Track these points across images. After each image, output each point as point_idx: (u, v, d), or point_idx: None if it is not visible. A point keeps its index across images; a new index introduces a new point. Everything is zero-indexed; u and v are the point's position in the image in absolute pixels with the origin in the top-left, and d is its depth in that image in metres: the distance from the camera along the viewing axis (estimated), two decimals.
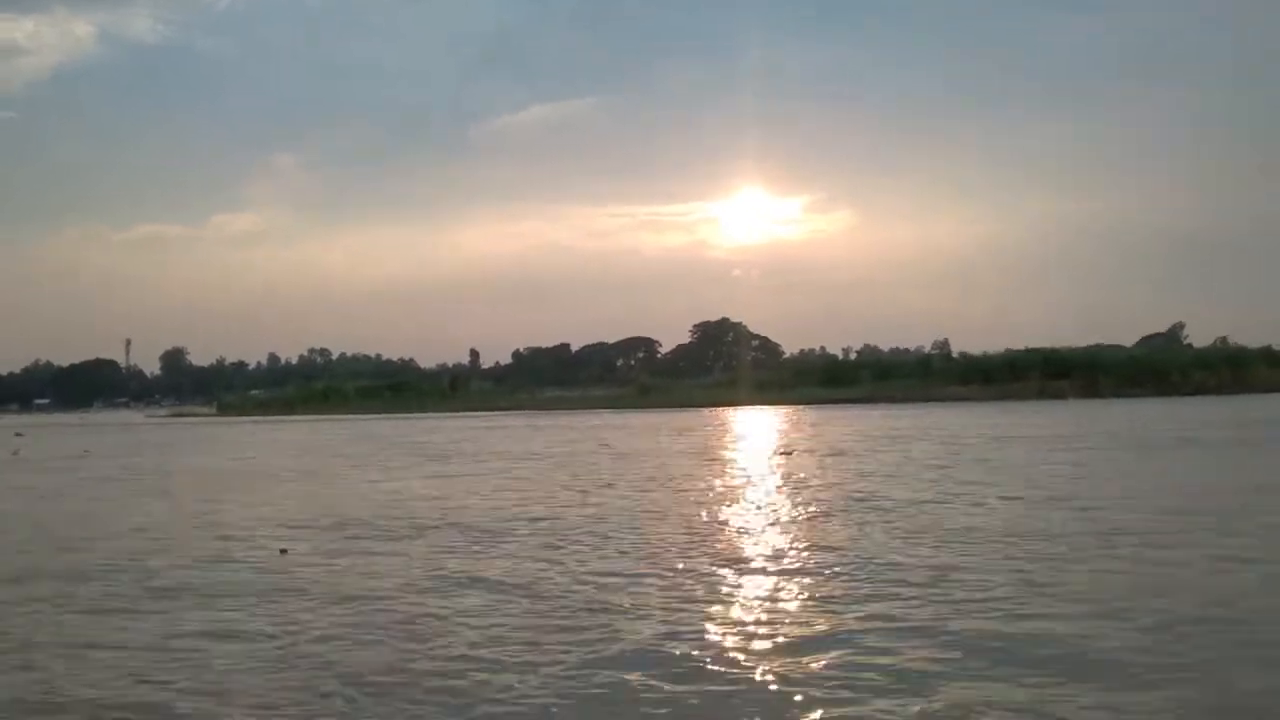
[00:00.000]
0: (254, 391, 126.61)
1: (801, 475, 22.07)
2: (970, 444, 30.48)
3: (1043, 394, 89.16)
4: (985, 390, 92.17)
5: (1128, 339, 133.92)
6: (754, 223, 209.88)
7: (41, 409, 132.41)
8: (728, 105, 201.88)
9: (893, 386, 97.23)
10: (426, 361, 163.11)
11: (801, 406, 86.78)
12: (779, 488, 20.08)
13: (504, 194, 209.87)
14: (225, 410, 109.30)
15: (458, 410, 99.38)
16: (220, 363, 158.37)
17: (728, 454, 30.85)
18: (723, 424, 54.19)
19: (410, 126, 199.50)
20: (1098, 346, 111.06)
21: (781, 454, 29.72)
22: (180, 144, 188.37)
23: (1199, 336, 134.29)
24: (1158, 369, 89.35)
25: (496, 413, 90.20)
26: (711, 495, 18.89)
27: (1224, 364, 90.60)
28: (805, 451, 29.82)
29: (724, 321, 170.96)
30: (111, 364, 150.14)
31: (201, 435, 58.15)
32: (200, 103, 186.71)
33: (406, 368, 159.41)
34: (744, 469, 24.97)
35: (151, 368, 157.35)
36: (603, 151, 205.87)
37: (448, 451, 35.19)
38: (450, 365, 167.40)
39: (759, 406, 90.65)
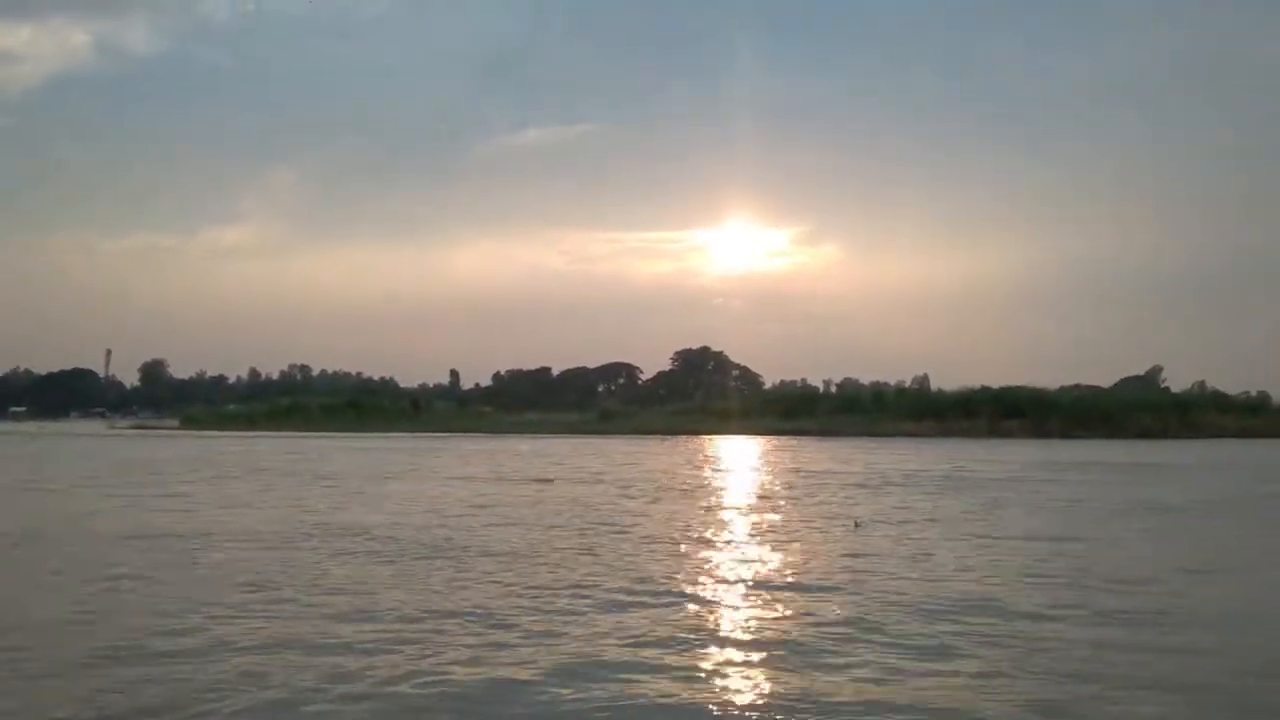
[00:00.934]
0: (231, 406, 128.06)
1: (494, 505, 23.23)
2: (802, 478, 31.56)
3: (993, 433, 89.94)
4: (936, 427, 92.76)
5: (1107, 380, 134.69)
6: (742, 253, 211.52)
7: (16, 416, 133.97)
8: (722, 135, 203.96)
9: (844, 421, 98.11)
10: (408, 381, 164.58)
11: (755, 437, 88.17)
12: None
13: (496, 216, 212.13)
14: (189, 424, 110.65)
15: (418, 431, 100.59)
16: (200, 376, 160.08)
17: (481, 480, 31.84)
18: (616, 453, 55.09)
19: (406, 145, 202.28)
20: (1075, 387, 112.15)
21: (539, 480, 31.18)
22: (174, 155, 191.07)
23: (1179, 379, 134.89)
24: (1104, 412, 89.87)
25: (452, 435, 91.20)
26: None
27: (1171, 408, 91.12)
28: (569, 479, 31.35)
29: (705, 350, 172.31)
30: (90, 374, 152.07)
31: (101, 449, 59.43)
32: (195, 114, 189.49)
33: (385, 386, 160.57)
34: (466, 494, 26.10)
35: (132, 379, 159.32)
36: (596, 177, 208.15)
37: (291, 471, 36.37)
38: (431, 385, 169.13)
39: (714, 436, 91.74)
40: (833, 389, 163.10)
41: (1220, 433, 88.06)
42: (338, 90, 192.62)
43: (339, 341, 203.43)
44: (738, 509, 23.32)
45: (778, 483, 31.19)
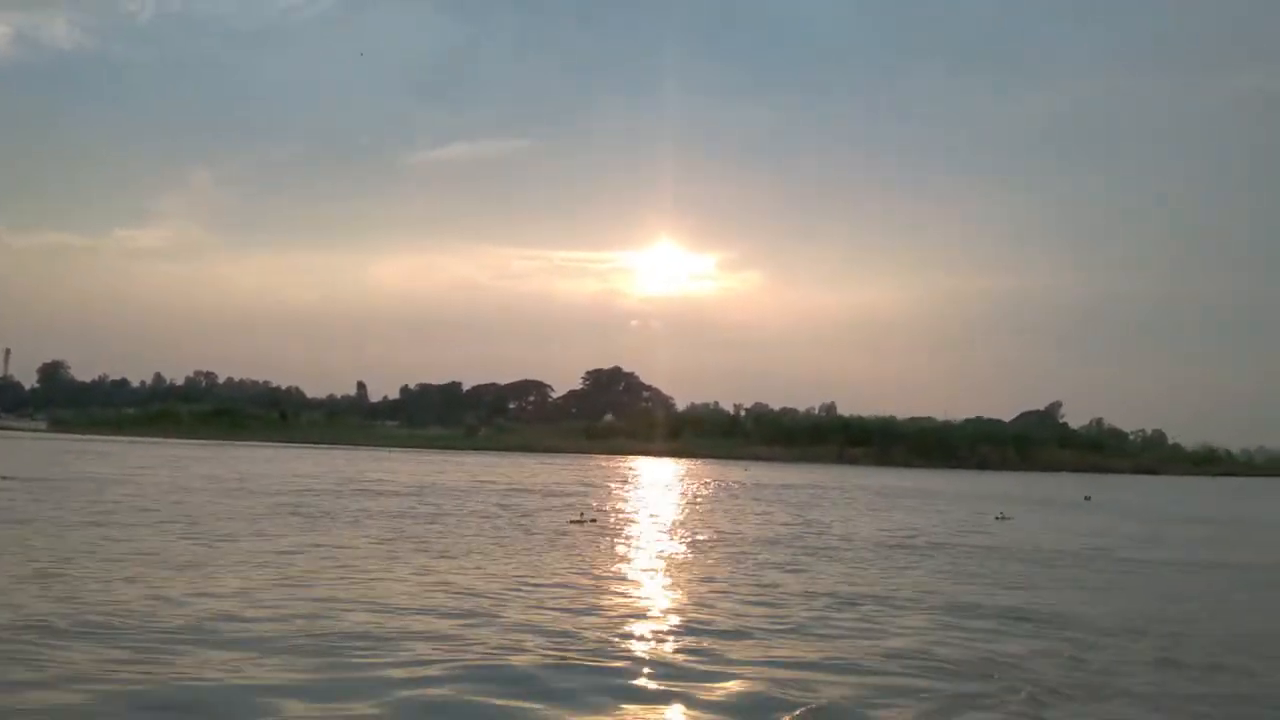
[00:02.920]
0: (110, 410, 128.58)
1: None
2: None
3: (841, 459, 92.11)
4: (787, 451, 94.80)
5: (1008, 414, 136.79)
6: (666, 276, 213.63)
7: None
8: (651, 158, 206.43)
9: (705, 443, 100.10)
10: (316, 391, 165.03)
11: (619, 457, 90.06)
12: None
13: (420, 228, 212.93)
14: (57, 426, 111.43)
15: (285, 441, 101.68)
16: (102, 379, 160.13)
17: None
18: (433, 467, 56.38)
19: (331, 153, 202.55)
20: (977, 419, 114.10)
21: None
22: (91, 154, 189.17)
23: (1079, 416, 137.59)
24: (945, 442, 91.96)
25: (309, 446, 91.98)
26: None
27: (1010, 442, 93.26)
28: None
29: (616, 370, 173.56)
30: None
31: None
32: (115, 112, 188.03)
33: (290, 396, 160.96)
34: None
35: (31, 380, 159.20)
36: (523, 193, 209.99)
37: None
38: (339, 396, 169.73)
39: (575, 455, 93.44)
40: (743, 413, 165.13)
41: (1057, 466, 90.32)
42: (264, 95, 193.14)
43: (249, 349, 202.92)
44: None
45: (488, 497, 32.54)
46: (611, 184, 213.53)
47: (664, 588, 14.29)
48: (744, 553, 18.59)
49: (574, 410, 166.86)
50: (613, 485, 39.20)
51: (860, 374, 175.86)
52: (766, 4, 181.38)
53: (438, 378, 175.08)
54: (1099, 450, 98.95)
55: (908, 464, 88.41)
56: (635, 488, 38.72)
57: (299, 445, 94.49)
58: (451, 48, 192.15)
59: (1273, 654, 11.03)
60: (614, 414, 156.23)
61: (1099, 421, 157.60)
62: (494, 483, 38.40)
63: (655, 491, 36.32)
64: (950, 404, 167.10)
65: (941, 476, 67.62)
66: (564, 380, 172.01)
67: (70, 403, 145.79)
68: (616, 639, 10.10)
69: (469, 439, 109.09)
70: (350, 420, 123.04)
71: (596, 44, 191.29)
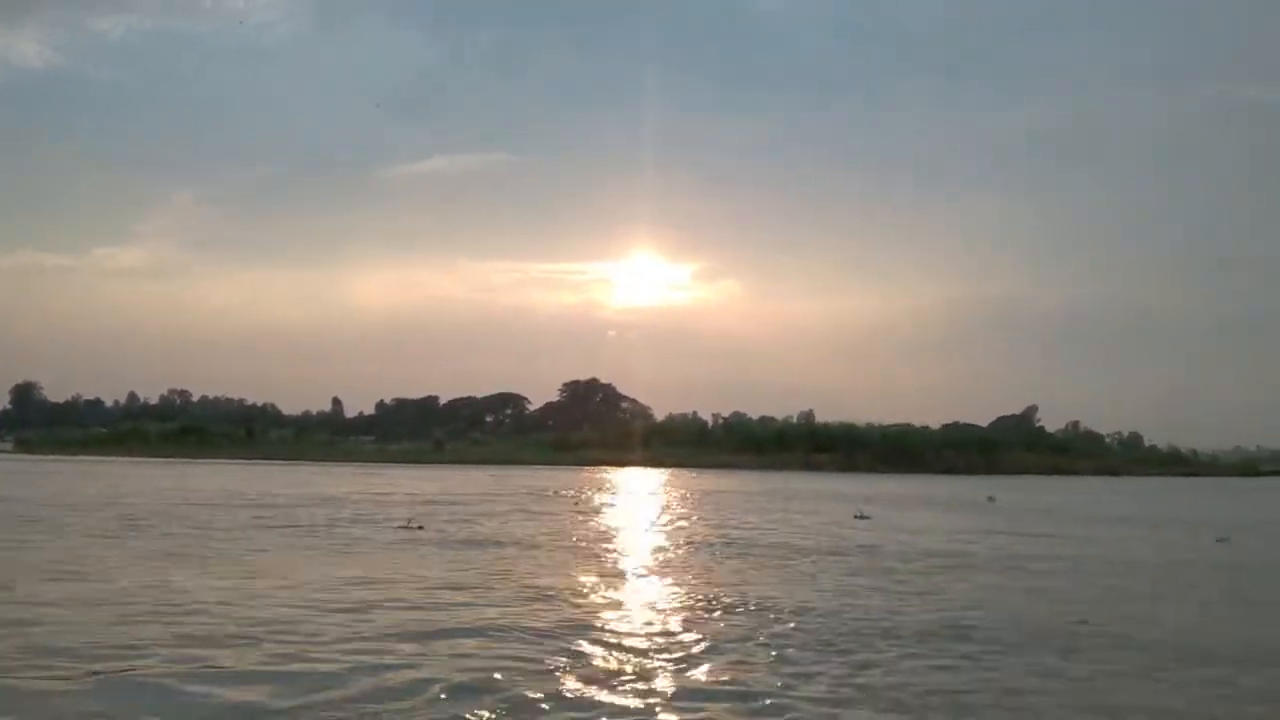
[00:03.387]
0: (78, 430, 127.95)
1: None
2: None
3: (806, 465, 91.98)
4: (753, 460, 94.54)
5: (985, 419, 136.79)
6: (645, 287, 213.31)
7: None
8: (629, 170, 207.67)
9: (674, 453, 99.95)
10: (292, 408, 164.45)
11: (585, 468, 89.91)
12: None
13: (398, 243, 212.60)
14: (23, 448, 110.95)
15: (251, 458, 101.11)
16: (75, 399, 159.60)
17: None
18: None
19: (309, 170, 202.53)
20: (955, 424, 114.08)
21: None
22: (68, 173, 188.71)
23: (1055, 419, 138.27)
24: (910, 448, 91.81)
25: (271, 463, 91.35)
26: None
27: (975, 446, 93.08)
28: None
29: (593, 382, 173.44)
30: None
31: None
32: (91, 132, 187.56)
33: (265, 414, 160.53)
34: None
35: (3, 401, 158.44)
36: (500, 206, 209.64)
37: None
38: (314, 413, 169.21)
39: (538, 468, 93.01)
40: (720, 422, 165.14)
41: (1022, 469, 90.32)
42: (241, 113, 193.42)
43: (225, 367, 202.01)
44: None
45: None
46: (590, 196, 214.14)
47: (378, 590, 14.44)
48: (524, 554, 19.04)
49: (550, 422, 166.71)
50: (519, 496, 38.89)
51: (839, 382, 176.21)
52: (746, 17, 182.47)
53: (416, 392, 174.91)
54: (1064, 453, 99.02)
55: (872, 470, 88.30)
56: (538, 497, 38.39)
57: (263, 462, 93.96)
58: (429, 64, 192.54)
59: (980, 639, 11.32)
60: (591, 425, 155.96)
61: (1075, 425, 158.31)
62: (390, 495, 38.26)
63: (545, 501, 35.98)
64: (929, 411, 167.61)
65: (887, 481, 67.67)
66: (543, 393, 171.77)
67: (44, 424, 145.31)
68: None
69: (435, 453, 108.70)
70: (318, 437, 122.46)
71: (575, 58, 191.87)
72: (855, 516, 30.51)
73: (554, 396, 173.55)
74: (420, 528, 23.39)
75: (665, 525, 26.90)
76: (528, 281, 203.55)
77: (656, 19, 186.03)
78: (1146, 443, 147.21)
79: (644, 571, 17.25)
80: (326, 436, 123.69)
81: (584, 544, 20.96)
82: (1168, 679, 9.56)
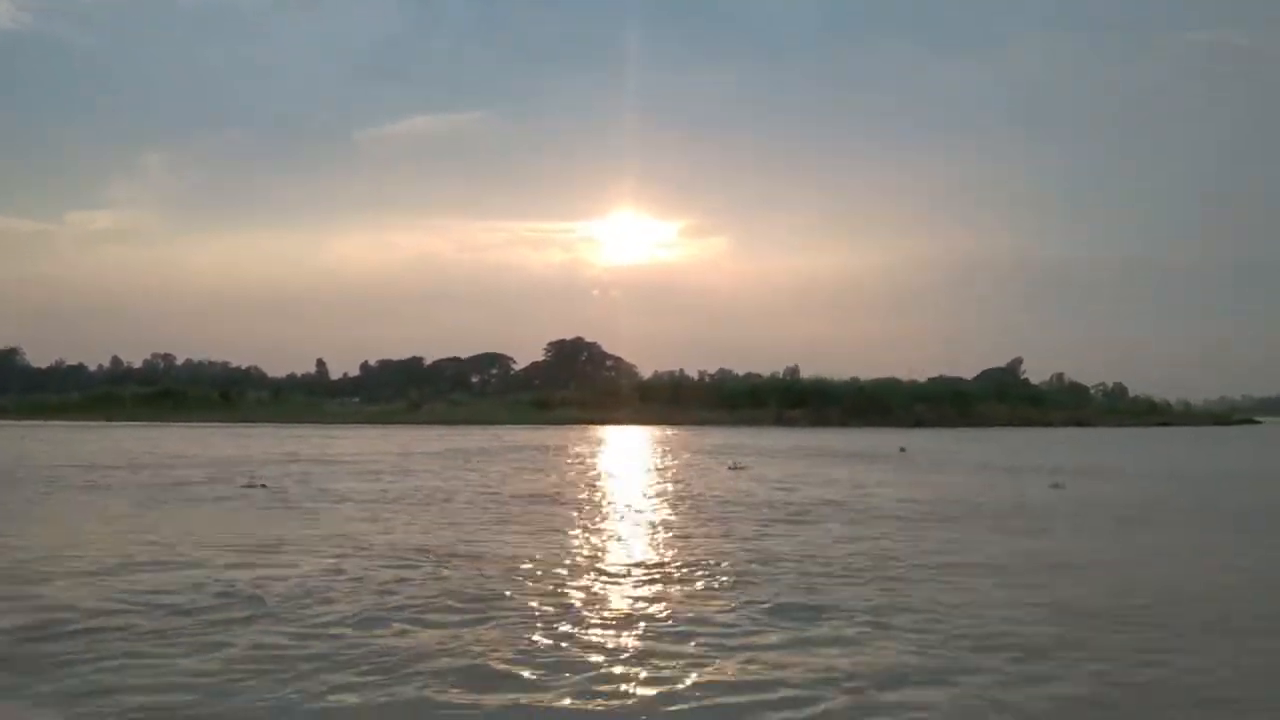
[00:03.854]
0: (56, 396, 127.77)
1: None
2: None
3: (779, 421, 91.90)
4: (728, 416, 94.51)
5: (970, 372, 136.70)
6: (632, 244, 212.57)
7: None
8: (613, 126, 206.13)
9: (651, 411, 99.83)
10: (276, 371, 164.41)
11: (557, 427, 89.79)
12: None
13: (381, 204, 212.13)
14: None
15: (230, 421, 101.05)
16: (58, 364, 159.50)
17: None
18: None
19: (288, 132, 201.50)
20: (940, 378, 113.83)
21: None
22: (39, 137, 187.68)
23: (1040, 371, 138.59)
24: (881, 402, 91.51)
25: (250, 425, 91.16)
26: None
27: (948, 398, 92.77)
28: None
29: (578, 340, 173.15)
30: None
31: None
32: (63, 96, 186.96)
33: (249, 376, 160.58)
34: None
35: None
36: (485, 165, 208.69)
37: None
38: (299, 375, 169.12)
39: (512, 427, 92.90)
40: (707, 379, 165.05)
41: (992, 421, 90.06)
42: (217, 76, 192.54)
43: (209, 330, 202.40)
44: None
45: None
46: (575, 153, 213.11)
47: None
48: (330, 509, 19.05)
49: (537, 382, 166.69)
50: (434, 455, 38.53)
51: (825, 338, 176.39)
52: None
53: (403, 353, 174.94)
54: (1038, 405, 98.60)
55: (843, 424, 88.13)
56: (456, 456, 38.03)
57: (240, 425, 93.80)
58: (407, 23, 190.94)
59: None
60: (578, 384, 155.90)
61: (1060, 376, 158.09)
62: (297, 454, 38.28)
63: (446, 461, 35.51)
64: (916, 364, 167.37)
65: (841, 434, 67.74)
66: (530, 353, 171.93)
67: (26, 389, 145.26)
68: None
69: (410, 413, 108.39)
70: (295, 398, 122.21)
71: (551, 17, 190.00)
72: (730, 468, 30.52)
73: (540, 356, 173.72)
74: (264, 485, 23.06)
75: (510, 483, 26.23)
76: (514, 240, 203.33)
77: None
78: (1131, 394, 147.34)
79: (388, 518, 17.39)
80: (303, 398, 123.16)
81: (389, 501, 20.58)
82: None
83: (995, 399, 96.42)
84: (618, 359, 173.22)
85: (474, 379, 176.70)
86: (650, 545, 14.32)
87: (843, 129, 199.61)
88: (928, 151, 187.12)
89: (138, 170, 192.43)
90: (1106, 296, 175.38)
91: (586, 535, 15.34)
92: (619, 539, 15.03)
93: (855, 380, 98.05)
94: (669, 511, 18.75)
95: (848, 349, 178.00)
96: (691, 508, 19.32)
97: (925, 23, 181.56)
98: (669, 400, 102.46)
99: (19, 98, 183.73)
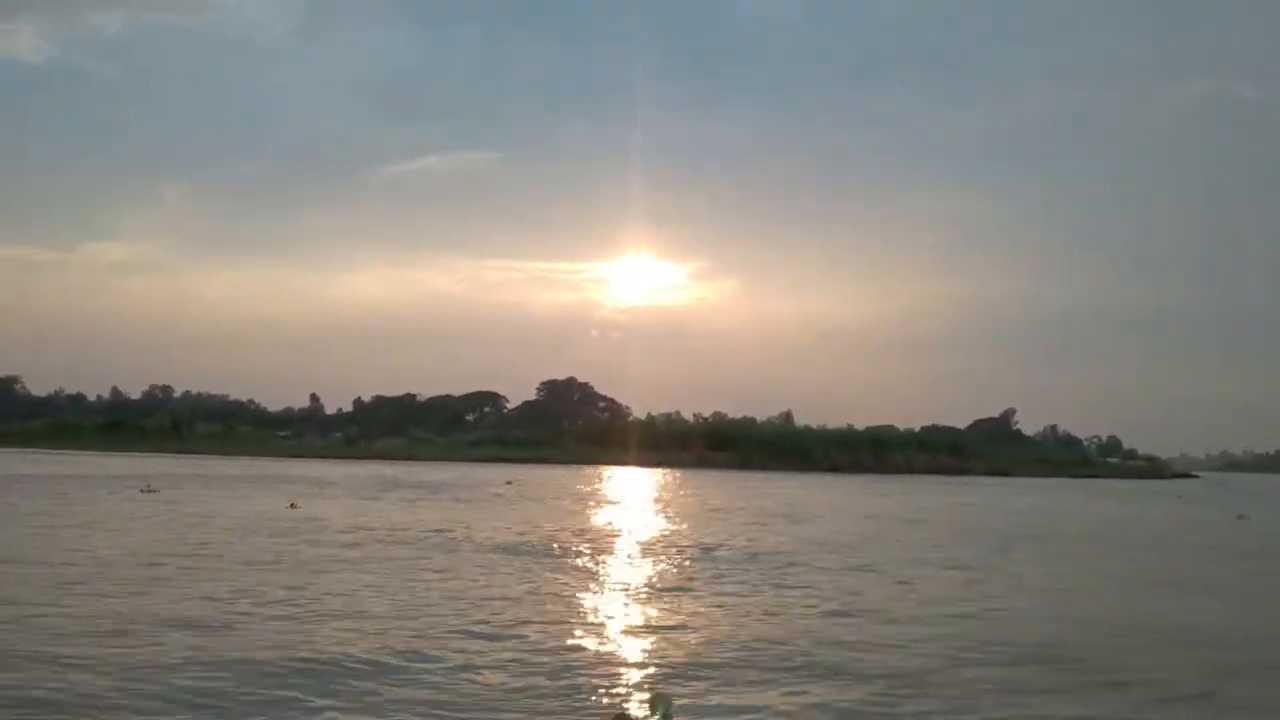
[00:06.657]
0: (35, 424, 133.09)
1: None
2: None
3: (702, 463, 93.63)
4: (652, 457, 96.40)
5: (964, 421, 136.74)
6: (641, 286, 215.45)
7: None
8: (624, 168, 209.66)
9: (590, 452, 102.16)
10: (274, 404, 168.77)
11: (477, 463, 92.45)
12: None
13: (392, 241, 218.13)
14: None
15: (176, 451, 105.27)
16: (58, 394, 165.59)
17: None
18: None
19: (301, 167, 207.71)
20: (933, 427, 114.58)
21: None
22: (58, 168, 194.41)
23: (1032, 422, 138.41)
24: (800, 446, 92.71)
25: (192, 458, 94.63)
26: None
27: (867, 445, 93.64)
28: None
29: (570, 381, 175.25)
30: None
31: None
32: (83, 127, 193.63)
33: (247, 410, 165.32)
34: None
35: None
36: (496, 205, 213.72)
37: None
38: (296, 409, 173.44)
39: (447, 463, 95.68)
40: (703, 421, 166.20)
41: (907, 469, 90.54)
42: (233, 110, 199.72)
43: (211, 363, 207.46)
44: None
45: None
46: (586, 194, 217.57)
47: None
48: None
49: (530, 420, 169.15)
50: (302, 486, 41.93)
51: (822, 383, 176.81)
52: (734, 16, 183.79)
53: (400, 389, 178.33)
54: (958, 454, 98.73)
55: (765, 467, 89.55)
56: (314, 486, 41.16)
57: (187, 456, 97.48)
58: (420, 62, 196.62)
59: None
60: (569, 424, 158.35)
61: (1054, 428, 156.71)
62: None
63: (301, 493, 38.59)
64: (910, 411, 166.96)
65: (735, 477, 69.43)
66: (525, 392, 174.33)
67: (25, 418, 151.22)
68: None
69: (349, 448, 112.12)
70: (243, 431, 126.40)
71: (566, 57, 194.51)
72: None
73: (532, 395, 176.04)
74: (156, 490, 30.34)
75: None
76: (524, 280, 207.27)
77: (644, 17, 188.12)
78: (1125, 446, 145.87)
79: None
80: (250, 430, 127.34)
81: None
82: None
83: (915, 448, 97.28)
84: (610, 400, 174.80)
85: (468, 417, 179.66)
86: None
87: (850, 172, 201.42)
88: (942, 196, 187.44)
89: (154, 201, 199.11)
90: (1106, 346, 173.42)
91: None
92: None
93: (955, 429, 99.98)
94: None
95: (842, 394, 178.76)
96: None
97: (932, 68, 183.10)
98: (601, 441, 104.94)
99: (41, 128, 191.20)
